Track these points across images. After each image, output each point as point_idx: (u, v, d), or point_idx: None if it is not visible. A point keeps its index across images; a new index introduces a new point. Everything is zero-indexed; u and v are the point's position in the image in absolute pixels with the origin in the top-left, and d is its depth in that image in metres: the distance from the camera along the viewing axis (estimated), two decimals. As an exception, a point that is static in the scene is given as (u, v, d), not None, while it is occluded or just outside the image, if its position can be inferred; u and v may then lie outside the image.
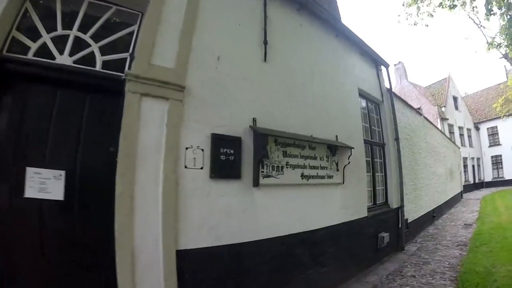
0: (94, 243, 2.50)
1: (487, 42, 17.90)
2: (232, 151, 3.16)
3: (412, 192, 8.35)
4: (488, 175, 27.65)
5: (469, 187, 23.78)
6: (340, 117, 5.06)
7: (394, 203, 6.74)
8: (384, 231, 6.01)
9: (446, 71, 29.98)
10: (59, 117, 2.53)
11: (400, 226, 6.94)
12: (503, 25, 8.18)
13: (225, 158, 3.09)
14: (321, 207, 4.28)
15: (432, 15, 9.45)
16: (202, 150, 2.96)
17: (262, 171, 3.41)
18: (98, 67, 2.79)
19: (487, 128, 27.88)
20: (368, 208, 5.56)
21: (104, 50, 2.84)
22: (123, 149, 2.51)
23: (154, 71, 2.75)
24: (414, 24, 10.10)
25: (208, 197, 2.94)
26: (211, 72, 3.21)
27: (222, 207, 3.05)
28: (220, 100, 3.22)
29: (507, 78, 28.50)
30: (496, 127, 26.98)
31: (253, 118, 3.48)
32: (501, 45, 9.20)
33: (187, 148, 2.85)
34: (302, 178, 3.96)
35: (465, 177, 23.57)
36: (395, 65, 27.82)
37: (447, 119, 24.56)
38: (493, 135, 27.45)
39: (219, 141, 3.08)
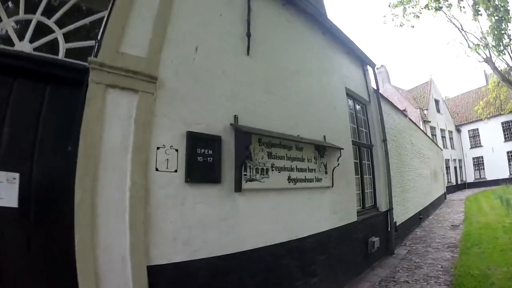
0: (55, 260, 2.12)
1: (473, 44, 18.34)
2: (210, 152, 2.82)
3: (399, 194, 8.22)
4: (470, 176, 28.32)
5: (452, 188, 24.20)
6: (328, 117, 4.81)
7: (383, 206, 6.55)
8: (374, 236, 5.79)
9: (428, 74, 30.58)
10: (14, 110, 2.16)
11: (389, 229, 6.76)
12: (491, 25, 8.23)
13: (202, 160, 2.75)
14: (309, 213, 3.99)
15: (418, 16, 9.45)
16: (176, 150, 2.61)
17: (245, 175, 3.08)
18: (61, 55, 2.50)
19: (468, 131, 28.64)
20: (357, 212, 5.33)
21: (70, 38, 2.54)
22: (84, 149, 2.15)
23: (122, 60, 2.41)
24: (400, 25, 10.13)
25: (183, 204, 2.59)
26: (188, 63, 2.88)
27: (200, 216, 2.70)
28: (197, 94, 2.89)
29: (487, 82, 29.57)
30: (477, 129, 27.75)
31: (235, 116, 3.16)
32: (488, 45, 9.28)
33: (158, 148, 2.50)
34: (289, 182, 3.67)
35: (447, 179, 23.99)
36: (377, 68, 28.07)
37: (429, 121, 25.01)
38: (474, 137, 28.20)
39: (196, 140, 2.73)
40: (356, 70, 6.63)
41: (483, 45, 10.05)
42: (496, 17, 8.05)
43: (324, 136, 4.50)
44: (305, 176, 3.92)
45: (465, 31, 21.49)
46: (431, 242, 7.64)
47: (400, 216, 7.94)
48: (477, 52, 10.37)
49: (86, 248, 2.06)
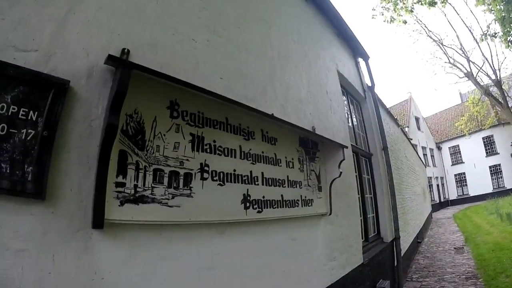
0: None
1: (453, 59, 17.96)
2: (29, 115, 1.10)
3: (401, 217, 6.67)
4: (452, 193, 27.79)
5: (436, 206, 23.47)
6: (317, 100, 3.19)
7: (388, 235, 4.93)
8: (382, 278, 4.11)
9: (407, 92, 30.47)
10: None
11: (396, 264, 5.12)
12: (498, 9, 7.17)
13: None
14: (291, 269, 2.23)
15: (411, 11, 8.37)
16: None
17: (123, 184, 1.33)
18: None
19: (449, 147, 28.38)
20: (362, 249, 3.62)
21: None
22: None
23: None
24: (391, 20, 9.01)
25: None
26: None
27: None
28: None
29: (462, 101, 29.85)
30: (458, 145, 27.50)
31: (123, 49, 1.43)
32: (496, 34, 8.30)
33: None
34: (247, 207, 1.89)
35: (431, 197, 23.20)
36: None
37: (411, 139, 24.37)
38: (455, 153, 27.91)
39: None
40: (348, 60, 5.19)
41: (491, 34, 9.13)
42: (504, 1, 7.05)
43: (314, 128, 2.82)
44: (281, 196, 2.15)
45: (444, 45, 21.44)
46: (442, 273, 6.18)
47: (403, 244, 6.38)
48: (490, 38, 9.44)
49: None
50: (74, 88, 1.24)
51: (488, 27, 12.41)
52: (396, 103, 29.73)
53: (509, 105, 20.35)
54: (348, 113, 4.74)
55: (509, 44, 9.59)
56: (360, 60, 5.93)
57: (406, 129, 24.98)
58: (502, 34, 9.80)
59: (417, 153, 18.11)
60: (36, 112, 1.11)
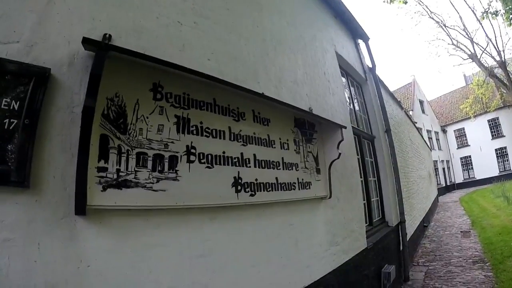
0: None
1: (457, 41, 17.56)
2: (15, 107, 1.12)
3: (406, 201, 6.56)
4: (458, 176, 27.49)
5: (442, 190, 23.24)
6: (314, 81, 3.06)
7: (393, 219, 4.83)
8: (387, 263, 4.03)
9: (411, 76, 29.93)
10: None
11: (401, 248, 5.05)
12: None
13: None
14: (289, 256, 2.15)
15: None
16: None
17: (105, 168, 1.28)
18: None
19: (454, 130, 27.91)
20: (365, 233, 3.53)
21: None
22: None
23: None
24: (391, 1, 8.71)
25: None
26: None
27: None
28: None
29: (466, 84, 29.31)
30: (463, 128, 27.04)
31: (105, 35, 1.38)
32: (498, 12, 8.03)
33: None
34: (238, 190, 1.79)
35: (437, 180, 23.02)
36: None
37: (416, 122, 24.02)
38: (461, 136, 27.47)
39: None
40: (347, 41, 5.00)
41: (492, 12, 8.83)
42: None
43: (311, 109, 2.69)
44: (276, 178, 2.05)
45: (447, 27, 20.92)
46: (449, 257, 6.06)
47: (408, 228, 6.29)
48: (492, 16, 9.15)
49: None
50: (55, 76, 1.24)
51: (489, 4, 12.04)
52: (400, 86, 29.31)
53: (515, 87, 20.00)
54: (349, 95, 4.59)
55: (511, 22, 9.28)
56: (360, 41, 5.74)
57: (411, 112, 24.60)
58: (504, 12, 9.47)
59: (422, 136, 17.91)
60: (18, 102, 1.12)
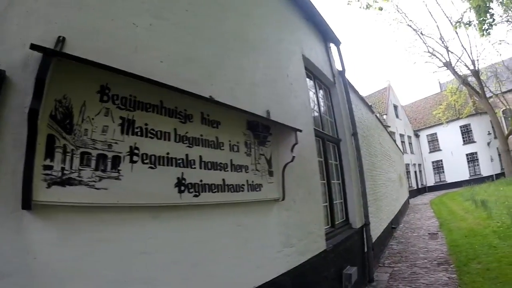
0: None
1: (433, 49, 18.23)
2: None
3: (373, 203, 6.73)
4: (430, 180, 28.66)
5: (413, 193, 24.09)
6: (274, 84, 3.05)
7: (357, 221, 4.91)
8: (349, 264, 4.09)
9: (386, 81, 30.87)
10: None
11: (366, 250, 5.14)
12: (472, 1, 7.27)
13: None
14: (239, 255, 2.13)
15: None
16: None
17: (50, 167, 1.34)
18: None
19: (427, 135, 29.17)
20: (325, 235, 3.56)
21: None
22: None
23: None
24: (367, 7, 8.95)
25: None
26: None
27: None
28: None
29: (441, 90, 30.58)
30: (436, 133, 28.32)
31: (59, 37, 1.44)
32: (471, 22, 8.45)
33: None
34: (181, 190, 1.78)
35: (409, 183, 23.82)
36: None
37: (389, 126, 24.85)
38: (433, 141, 28.73)
39: None
40: (317, 45, 5.05)
41: (465, 22, 9.30)
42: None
43: (268, 112, 2.69)
44: (223, 180, 2.03)
45: (423, 34, 21.74)
46: (415, 259, 6.22)
47: (375, 230, 6.44)
48: (465, 27, 9.63)
49: None
50: (10, 77, 1.30)
51: (462, 15, 12.65)
52: (375, 91, 30.06)
53: (487, 95, 21.06)
54: (315, 98, 4.64)
55: (484, 32, 9.80)
56: (332, 45, 5.83)
57: (384, 116, 25.34)
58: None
59: (394, 140, 18.46)
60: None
